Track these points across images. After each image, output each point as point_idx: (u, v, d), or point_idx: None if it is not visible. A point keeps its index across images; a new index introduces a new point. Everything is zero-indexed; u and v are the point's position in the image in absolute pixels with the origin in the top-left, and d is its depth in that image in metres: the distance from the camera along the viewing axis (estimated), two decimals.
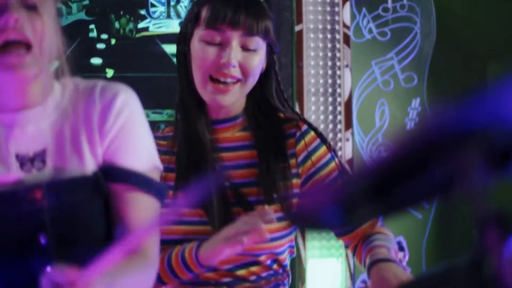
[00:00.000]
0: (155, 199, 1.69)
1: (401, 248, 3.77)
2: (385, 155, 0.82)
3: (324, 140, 2.03)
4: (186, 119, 2.00)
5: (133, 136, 1.68)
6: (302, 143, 1.99)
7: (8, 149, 1.64)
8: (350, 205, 0.85)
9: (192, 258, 1.89)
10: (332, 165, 2.01)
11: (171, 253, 1.93)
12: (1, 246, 1.62)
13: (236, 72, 1.93)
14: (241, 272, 1.98)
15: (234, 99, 1.96)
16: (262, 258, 1.98)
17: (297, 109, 3.40)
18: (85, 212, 1.65)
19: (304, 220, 0.85)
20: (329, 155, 2.01)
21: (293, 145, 2.00)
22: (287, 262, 2.04)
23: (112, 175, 1.66)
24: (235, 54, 1.92)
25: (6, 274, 1.63)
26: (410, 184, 0.89)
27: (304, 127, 2.00)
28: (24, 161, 1.64)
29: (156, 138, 1.79)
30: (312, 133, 2.01)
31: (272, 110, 2.02)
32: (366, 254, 1.92)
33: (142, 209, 1.67)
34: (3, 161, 1.63)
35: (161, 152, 1.87)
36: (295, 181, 2.00)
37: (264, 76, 2.01)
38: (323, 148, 2.01)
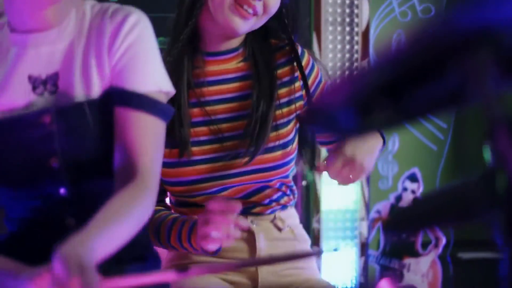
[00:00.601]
0: (159, 119, 1.64)
1: (415, 179, 3.80)
2: (397, 52, 0.83)
3: (314, 59, 2.10)
4: (175, 50, 1.99)
5: (139, 58, 1.65)
6: (301, 66, 2.05)
7: (21, 70, 1.64)
8: (365, 105, 0.87)
9: (186, 241, 1.92)
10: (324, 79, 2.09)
11: (168, 221, 1.95)
12: (14, 171, 1.63)
13: (259, 6, 1.95)
14: (255, 198, 2.02)
15: (247, 29, 1.98)
16: (273, 182, 2.03)
17: (314, 38, 3.40)
18: (93, 135, 1.63)
19: (319, 121, 0.86)
20: (318, 70, 2.10)
21: (295, 70, 2.04)
22: (292, 182, 2.10)
23: (116, 98, 1.63)
24: None
25: (20, 199, 1.66)
26: (424, 87, 0.91)
27: (299, 50, 2.05)
28: (36, 84, 1.63)
29: None
30: (306, 54, 2.07)
31: (268, 40, 2.06)
32: None
33: (146, 130, 1.63)
34: (15, 81, 1.63)
35: None
36: (299, 103, 2.04)
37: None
38: (316, 67, 2.09)
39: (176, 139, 1.95)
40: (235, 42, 2.02)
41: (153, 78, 1.65)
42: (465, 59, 0.84)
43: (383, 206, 3.83)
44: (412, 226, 1.17)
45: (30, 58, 1.64)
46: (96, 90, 1.62)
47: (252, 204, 2.02)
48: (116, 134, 1.62)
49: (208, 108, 1.99)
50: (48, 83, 1.63)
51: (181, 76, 1.98)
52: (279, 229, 2.05)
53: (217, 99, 2.01)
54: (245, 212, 2.00)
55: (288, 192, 2.07)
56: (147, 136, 1.63)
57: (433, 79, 0.90)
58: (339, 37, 3.45)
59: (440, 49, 0.81)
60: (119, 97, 1.62)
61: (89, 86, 1.62)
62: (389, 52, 0.83)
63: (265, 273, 2.02)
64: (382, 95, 0.90)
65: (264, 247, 2.02)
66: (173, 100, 1.90)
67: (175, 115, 1.90)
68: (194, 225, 1.89)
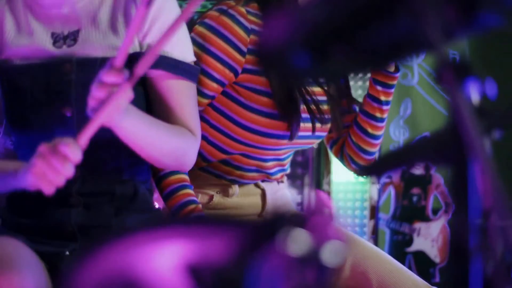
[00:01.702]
0: (195, 83, 1.82)
1: None
2: None
3: None
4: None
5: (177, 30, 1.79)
6: None
7: (45, 27, 1.75)
8: (315, 42, 0.89)
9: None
10: None
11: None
12: (31, 116, 1.74)
13: None
14: (286, 162, 2.13)
15: None
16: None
17: None
18: None
19: (269, 59, 0.88)
20: None
21: None
22: None
23: (166, 65, 1.76)
24: None
25: (32, 144, 1.70)
26: (374, 29, 0.93)
27: None
28: (58, 39, 1.75)
29: (244, 15, 1.89)
30: None
31: None
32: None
33: (190, 95, 1.80)
34: (40, 37, 1.75)
35: (248, 31, 1.92)
36: None
37: None
38: None
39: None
40: None
41: (191, 49, 1.82)
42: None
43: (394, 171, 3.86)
44: (385, 168, 1.21)
45: (53, 16, 1.76)
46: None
47: (281, 168, 2.09)
48: (157, 97, 1.78)
49: None
50: (68, 38, 1.75)
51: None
52: (278, 182, 2.14)
53: None
54: (275, 174, 2.08)
55: None
56: (191, 100, 1.81)
57: (382, 19, 0.92)
58: None
59: None
60: (169, 65, 1.77)
61: (113, 46, 1.74)
62: None
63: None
64: (333, 36, 0.93)
65: (270, 201, 2.09)
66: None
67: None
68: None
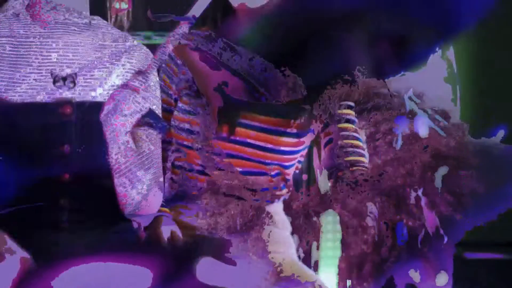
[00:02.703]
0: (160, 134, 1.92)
1: None
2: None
3: None
4: None
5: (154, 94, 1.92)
6: None
7: (45, 66, 1.83)
8: None
9: None
10: None
11: None
12: (27, 151, 1.81)
13: None
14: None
15: None
16: (269, 167, 2.09)
17: None
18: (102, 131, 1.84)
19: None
20: None
21: None
22: (291, 177, 2.14)
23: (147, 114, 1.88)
24: None
25: (28, 179, 1.81)
26: (308, 63, 0.95)
27: None
28: (57, 78, 1.83)
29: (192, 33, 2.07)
30: None
31: None
32: None
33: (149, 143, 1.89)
34: (39, 76, 1.83)
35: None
36: None
37: None
38: None
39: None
40: None
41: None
42: (332, 33, 0.87)
43: None
44: None
45: (53, 58, 1.84)
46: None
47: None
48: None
49: None
50: (67, 80, 1.84)
51: None
52: None
53: None
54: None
55: (282, 185, 2.12)
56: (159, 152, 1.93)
57: (316, 55, 0.94)
58: None
59: (305, 23, 0.84)
60: (155, 119, 1.88)
61: (107, 91, 1.85)
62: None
63: None
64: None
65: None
66: None
67: None
68: None
